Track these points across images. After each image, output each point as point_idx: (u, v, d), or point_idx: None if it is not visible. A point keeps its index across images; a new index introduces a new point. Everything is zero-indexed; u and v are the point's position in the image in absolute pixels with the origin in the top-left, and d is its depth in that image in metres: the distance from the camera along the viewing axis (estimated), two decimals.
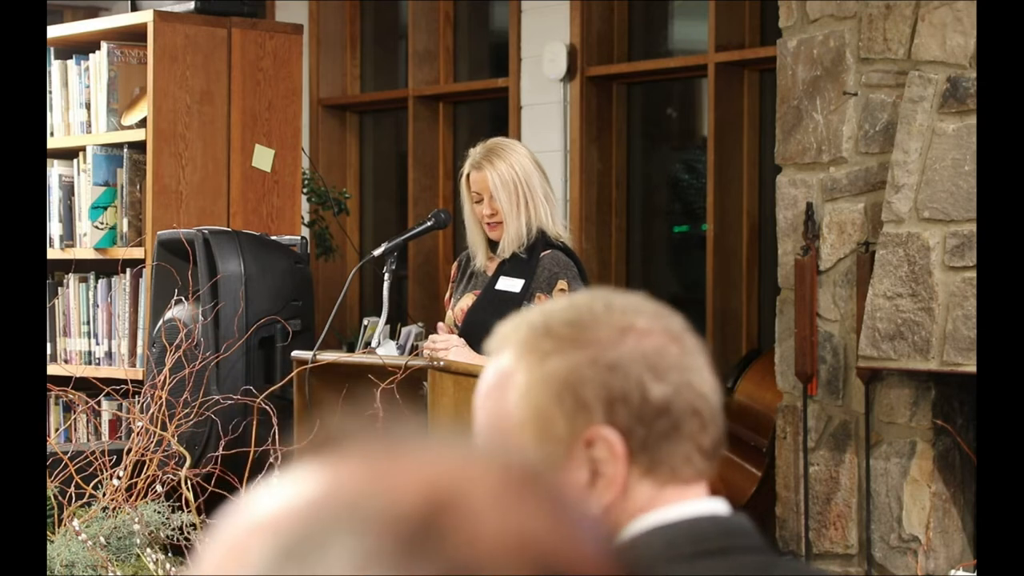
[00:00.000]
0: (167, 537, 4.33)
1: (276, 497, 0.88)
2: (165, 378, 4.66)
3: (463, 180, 5.00)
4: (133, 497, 4.37)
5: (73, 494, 4.36)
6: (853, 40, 5.90)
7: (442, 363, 4.54)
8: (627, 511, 1.60)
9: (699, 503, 1.62)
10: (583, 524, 0.88)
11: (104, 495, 4.37)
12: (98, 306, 6.01)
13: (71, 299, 6.09)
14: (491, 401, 1.61)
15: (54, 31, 6.12)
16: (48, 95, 6.09)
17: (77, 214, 6.06)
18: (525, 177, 4.92)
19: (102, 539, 4.27)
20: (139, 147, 5.89)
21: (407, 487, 0.86)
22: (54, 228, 6.07)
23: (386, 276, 5.08)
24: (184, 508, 4.38)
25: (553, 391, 1.57)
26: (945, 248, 5.50)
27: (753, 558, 1.61)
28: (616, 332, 1.59)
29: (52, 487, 4.35)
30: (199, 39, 5.88)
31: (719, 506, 1.63)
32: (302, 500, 0.87)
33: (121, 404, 5.42)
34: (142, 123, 5.86)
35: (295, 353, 4.97)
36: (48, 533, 4.21)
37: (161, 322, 5.23)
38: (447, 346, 4.76)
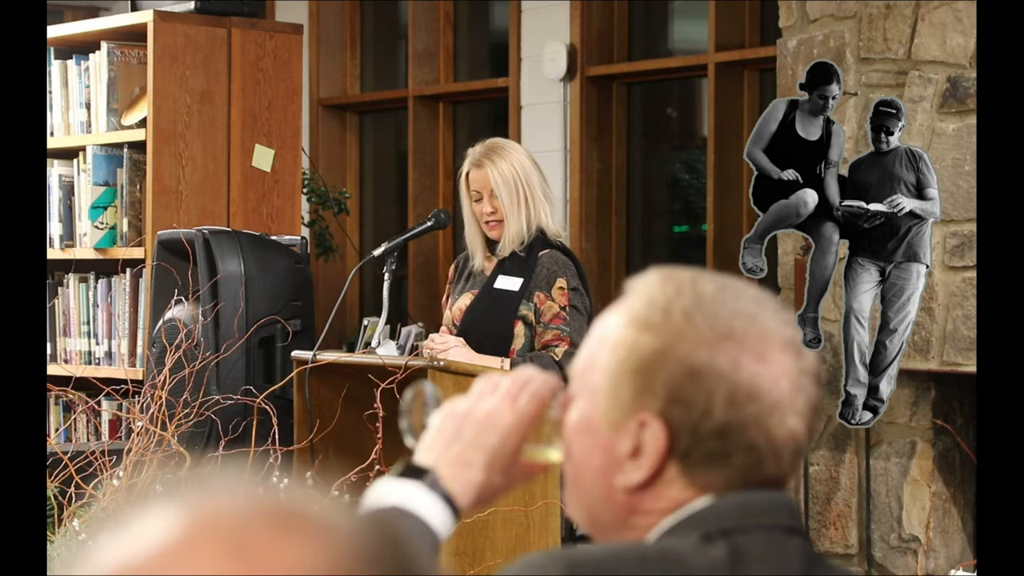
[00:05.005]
0: None
1: None
2: (165, 378, 4.65)
3: (463, 179, 5.00)
4: (133, 497, 4.36)
5: (73, 494, 4.35)
6: (853, 40, 5.89)
7: (442, 363, 4.54)
8: (658, 505, 1.60)
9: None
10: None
11: (104, 495, 4.37)
12: (98, 306, 6.01)
13: (71, 299, 6.09)
14: (596, 332, 1.64)
15: (54, 31, 6.12)
16: (48, 95, 6.09)
17: (77, 214, 6.06)
18: (525, 175, 4.94)
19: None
20: (139, 147, 5.89)
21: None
22: (54, 228, 6.07)
23: (386, 276, 5.08)
24: None
25: (634, 362, 1.59)
26: (945, 248, 5.50)
27: (807, 546, 1.61)
28: (717, 338, 1.58)
29: (52, 487, 4.35)
30: (199, 39, 5.88)
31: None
32: None
33: (121, 404, 5.41)
34: (142, 123, 5.86)
35: (295, 353, 4.97)
36: (48, 533, 4.21)
37: (161, 322, 5.23)
38: (447, 346, 4.77)
